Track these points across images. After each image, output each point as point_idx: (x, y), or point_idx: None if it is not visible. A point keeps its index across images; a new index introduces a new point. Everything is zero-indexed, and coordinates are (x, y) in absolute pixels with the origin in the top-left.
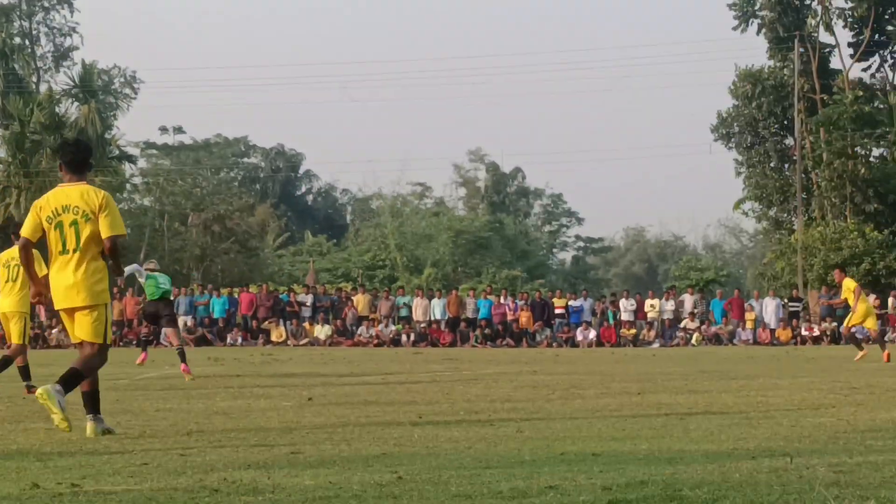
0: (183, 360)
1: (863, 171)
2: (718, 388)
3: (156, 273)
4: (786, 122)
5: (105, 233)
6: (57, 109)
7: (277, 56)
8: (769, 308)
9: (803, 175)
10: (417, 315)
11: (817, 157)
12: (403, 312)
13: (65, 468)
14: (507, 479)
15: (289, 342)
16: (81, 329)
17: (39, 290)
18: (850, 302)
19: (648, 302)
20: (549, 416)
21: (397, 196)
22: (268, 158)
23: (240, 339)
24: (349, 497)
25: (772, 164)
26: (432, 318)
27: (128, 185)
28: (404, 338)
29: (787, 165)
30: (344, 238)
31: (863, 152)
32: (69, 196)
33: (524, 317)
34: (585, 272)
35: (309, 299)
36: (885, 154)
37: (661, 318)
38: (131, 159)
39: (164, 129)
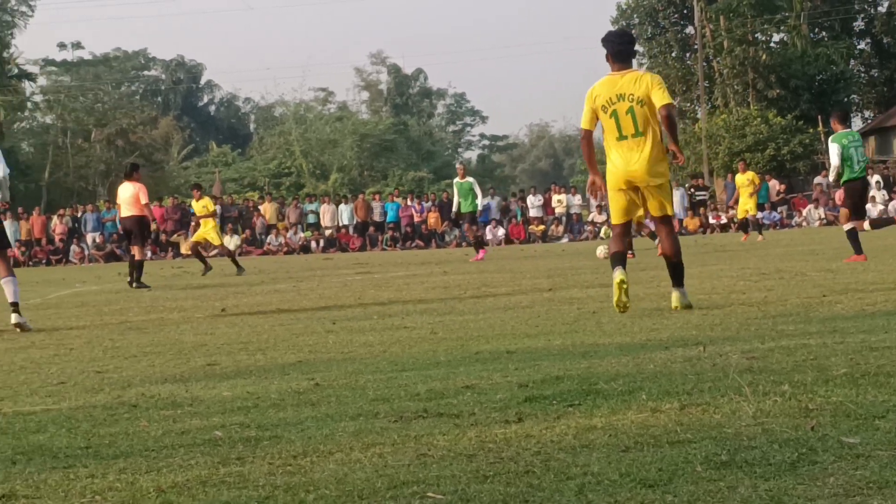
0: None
1: (764, 56)
2: (630, 280)
3: None
4: (685, 11)
5: (658, 102)
6: None
7: None
8: (675, 198)
9: (705, 63)
10: (325, 221)
11: (718, 45)
12: (311, 219)
13: None
14: (423, 381)
15: None
16: (651, 206)
17: (594, 181)
18: (749, 191)
19: (556, 197)
20: (462, 315)
21: (300, 103)
22: (168, 70)
23: (149, 254)
24: (268, 406)
25: (673, 54)
26: (340, 224)
27: (28, 104)
28: (314, 244)
29: (688, 55)
30: (249, 147)
31: (763, 38)
32: (621, 84)
33: (432, 218)
34: (492, 170)
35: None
36: (785, 39)
37: (568, 212)
38: (31, 77)
39: (62, 46)
